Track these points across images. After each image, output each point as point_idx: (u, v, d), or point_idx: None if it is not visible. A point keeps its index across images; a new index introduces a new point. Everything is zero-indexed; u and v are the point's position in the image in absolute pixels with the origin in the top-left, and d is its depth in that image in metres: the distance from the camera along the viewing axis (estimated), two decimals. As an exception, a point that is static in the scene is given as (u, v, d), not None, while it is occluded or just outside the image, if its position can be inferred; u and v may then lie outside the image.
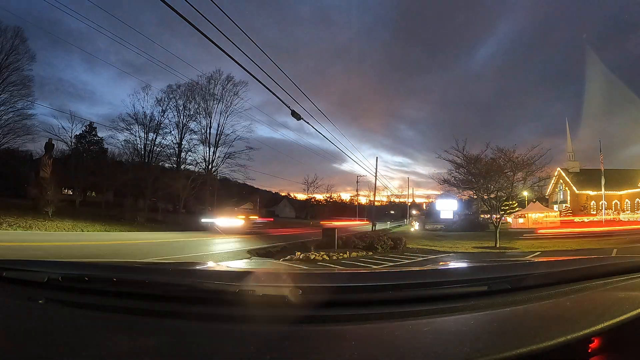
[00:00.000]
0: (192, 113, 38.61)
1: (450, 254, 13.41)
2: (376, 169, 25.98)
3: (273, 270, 1.69)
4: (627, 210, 30.50)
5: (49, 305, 0.90)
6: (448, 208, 36.14)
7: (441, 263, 6.43)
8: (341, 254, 11.63)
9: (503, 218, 21.10)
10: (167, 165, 37.68)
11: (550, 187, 36.35)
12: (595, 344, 0.71)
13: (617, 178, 30.54)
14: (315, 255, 10.93)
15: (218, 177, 39.80)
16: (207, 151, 38.71)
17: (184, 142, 38.69)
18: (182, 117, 38.39)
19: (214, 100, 38.91)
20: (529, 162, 17.30)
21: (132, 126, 35.64)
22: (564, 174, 35.64)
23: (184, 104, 38.38)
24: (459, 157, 19.15)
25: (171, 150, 38.23)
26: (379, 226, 26.16)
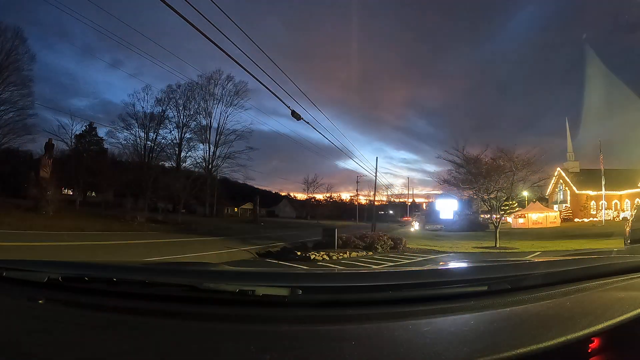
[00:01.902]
0: (192, 113, 38.71)
1: (450, 254, 13.41)
2: (376, 169, 25.96)
3: (273, 270, 1.69)
4: (627, 210, 30.49)
5: (49, 305, 0.90)
6: (448, 208, 36.10)
7: (441, 263, 6.43)
8: (341, 254, 11.63)
9: (503, 218, 21.12)
10: (167, 165, 37.72)
11: (550, 187, 36.36)
12: (595, 344, 0.71)
13: (617, 178, 30.52)
14: (315, 255, 10.94)
15: (218, 177, 39.87)
16: (207, 151, 38.80)
17: (183, 142, 38.76)
18: (182, 117, 38.48)
19: (214, 100, 39.03)
20: (529, 161, 17.34)
21: (131, 126, 35.73)
22: (564, 174, 35.64)
23: (184, 103, 38.49)
24: (458, 157, 19.24)
25: (171, 150, 38.29)
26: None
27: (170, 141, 38.08)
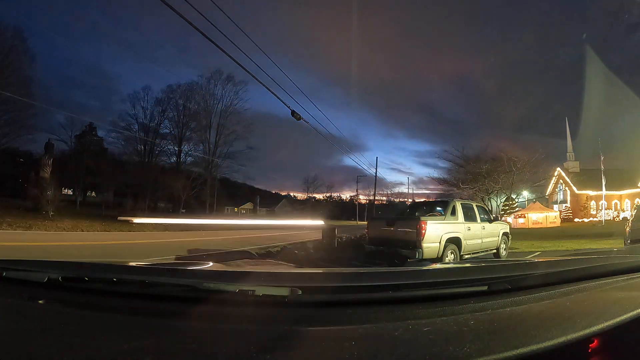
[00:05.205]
0: (192, 113, 38.74)
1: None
2: (376, 169, 26.07)
3: (273, 270, 1.69)
4: (627, 210, 30.49)
5: (49, 305, 0.90)
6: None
7: (441, 263, 6.43)
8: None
9: (503, 218, 21.19)
10: (167, 165, 37.75)
11: (550, 187, 36.37)
12: (595, 344, 0.71)
13: (617, 178, 30.49)
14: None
15: (218, 177, 39.90)
16: (207, 151, 38.81)
17: (184, 142, 38.81)
18: (182, 117, 38.52)
19: (214, 100, 39.06)
20: (529, 162, 17.41)
21: (132, 126, 35.80)
22: (564, 174, 35.63)
23: (184, 103, 38.52)
24: (458, 157, 19.34)
25: (171, 149, 38.36)
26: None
27: (170, 141, 38.17)
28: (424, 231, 6.87)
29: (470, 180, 19.91)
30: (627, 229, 10.22)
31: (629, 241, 9.47)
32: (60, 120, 32.67)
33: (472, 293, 0.94)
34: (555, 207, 35.39)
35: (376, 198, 33.09)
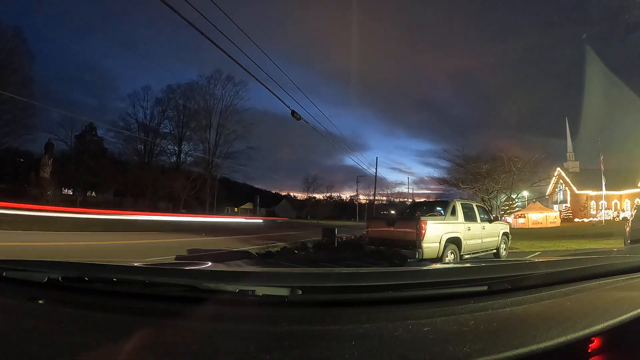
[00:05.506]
0: (192, 113, 38.74)
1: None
2: (376, 169, 26.11)
3: (273, 270, 1.69)
4: (627, 210, 30.48)
5: (49, 305, 0.90)
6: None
7: (441, 263, 6.43)
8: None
9: (503, 218, 21.20)
10: (167, 165, 37.73)
11: (550, 187, 36.38)
12: (595, 344, 0.71)
13: (617, 178, 30.51)
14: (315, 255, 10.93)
15: (218, 177, 39.90)
16: (207, 151, 38.82)
17: (184, 142, 38.82)
18: (182, 117, 38.52)
19: (214, 100, 39.08)
20: (529, 162, 17.43)
21: (132, 126, 35.82)
22: (564, 174, 35.65)
23: (183, 103, 38.53)
24: (458, 157, 19.38)
25: (171, 148, 38.35)
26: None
27: (170, 141, 38.19)
28: (424, 231, 6.87)
29: (470, 180, 19.96)
30: (627, 229, 10.21)
31: (629, 241, 9.46)
32: (60, 120, 32.68)
33: (472, 293, 0.94)
34: (555, 207, 35.40)
35: (376, 198, 33.10)
